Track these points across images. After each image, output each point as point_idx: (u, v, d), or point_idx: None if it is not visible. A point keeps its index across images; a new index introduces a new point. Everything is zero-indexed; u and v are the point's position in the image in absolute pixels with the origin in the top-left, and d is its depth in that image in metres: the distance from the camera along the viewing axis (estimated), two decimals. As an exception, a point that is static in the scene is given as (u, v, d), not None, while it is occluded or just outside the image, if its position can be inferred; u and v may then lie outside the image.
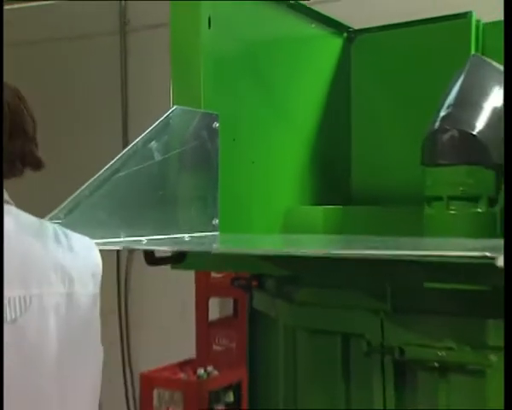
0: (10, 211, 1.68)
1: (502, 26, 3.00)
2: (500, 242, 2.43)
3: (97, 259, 1.81)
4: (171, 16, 2.57)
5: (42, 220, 1.76)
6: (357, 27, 3.36)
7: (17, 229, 1.64)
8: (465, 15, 3.11)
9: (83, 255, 1.76)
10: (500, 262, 1.63)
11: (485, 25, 3.14)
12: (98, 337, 1.81)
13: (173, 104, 2.41)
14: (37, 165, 1.78)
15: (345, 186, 3.22)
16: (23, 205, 1.73)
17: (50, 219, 1.91)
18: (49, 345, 1.63)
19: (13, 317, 1.56)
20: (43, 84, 5.73)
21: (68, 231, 1.78)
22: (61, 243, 1.71)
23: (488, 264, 1.72)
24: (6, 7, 6.10)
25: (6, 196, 1.71)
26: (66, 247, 1.72)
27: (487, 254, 1.66)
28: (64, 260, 1.69)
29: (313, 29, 3.14)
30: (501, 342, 2.18)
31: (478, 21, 3.12)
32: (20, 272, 1.60)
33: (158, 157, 2.25)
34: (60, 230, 1.76)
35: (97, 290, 1.78)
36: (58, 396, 1.67)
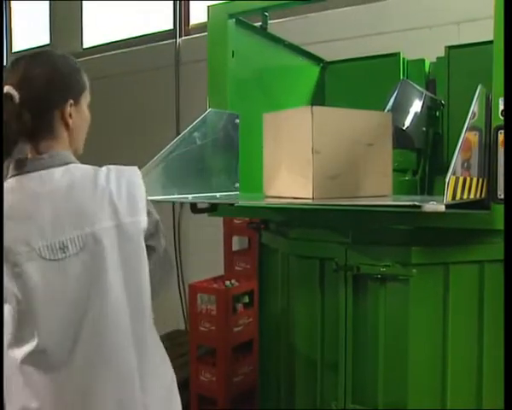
0: (69, 169, 1.55)
1: (417, 63, 3.04)
2: (420, 197, 2.40)
3: (140, 183, 1.59)
4: (208, 51, 2.53)
5: (96, 168, 1.58)
6: (329, 60, 3.31)
7: (72, 184, 1.52)
8: (395, 55, 3.10)
9: (127, 185, 1.57)
10: (425, 208, 1.60)
11: (408, 61, 3.13)
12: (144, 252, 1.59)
13: (209, 107, 2.37)
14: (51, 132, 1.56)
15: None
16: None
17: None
18: (107, 264, 1.51)
19: (75, 251, 1.49)
20: (124, 100, 5.72)
21: (118, 167, 1.61)
22: (109, 182, 1.54)
23: (415, 211, 1.70)
24: (94, 56, 6.14)
25: (72, 157, 1.60)
26: (114, 183, 1.55)
27: (416, 203, 1.63)
28: (111, 197, 1.53)
29: (300, 60, 3.10)
30: (419, 261, 2.17)
31: (403, 59, 3.11)
32: (74, 218, 1.50)
33: (199, 142, 2.22)
34: (111, 169, 1.59)
35: (143, 215, 1.57)
36: (120, 297, 1.54)
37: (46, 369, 1.49)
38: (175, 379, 1.73)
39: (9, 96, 1.48)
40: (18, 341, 1.50)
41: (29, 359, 1.49)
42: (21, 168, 1.52)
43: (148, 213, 1.60)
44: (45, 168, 1.53)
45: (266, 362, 2.81)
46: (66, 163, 1.56)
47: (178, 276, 5.06)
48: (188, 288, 4.08)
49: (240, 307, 3.91)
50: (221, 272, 4.25)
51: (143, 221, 1.57)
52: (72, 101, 1.59)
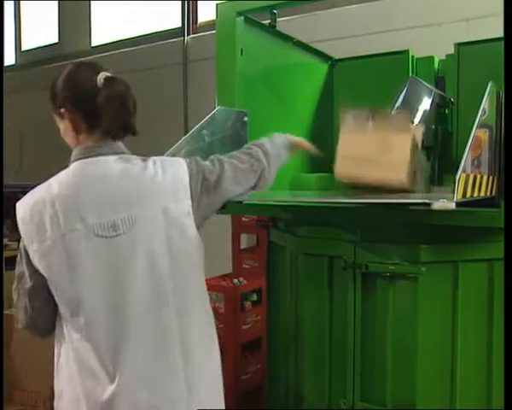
0: (122, 158, 1.69)
1: (426, 61, 3.03)
2: (430, 195, 2.39)
3: (184, 173, 1.70)
4: (217, 49, 2.53)
5: (144, 158, 1.72)
6: (337, 58, 3.29)
7: (124, 170, 1.65)
8: (404, 52, 3.07)
9: (172, 175, 1.68)
10: (434, 206, 1.59)
11: (417, 59, 3.11)
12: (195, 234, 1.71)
13: (217, 105, 2.37)
14: (133, 132, 1.74)
15: (330, 161, 3.13)
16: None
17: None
18: (154, 243, 1.63)
19: (125, 230, 1.61)
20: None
21: (164, 158, 1.75)
22: (156, 171, 1.67)
23: (425, 209, 1.69)
24: (102, 54, 6.15)
25: (123, 148, 1.73)
26: (161, 172, 1.67)
27: (426, 201, 1.62)
28: (158, 183, 1.65)
29: (309, 58, 3.09)
30: (428, 259, 2.16)
31: (412, 56, 3.08)
32: (126, 200, 1.62)
33: (207, 140, 2.21)
34: (157, 159, 1.71)
35: (186, 200, 1.68)
36: (169, 277, 1.64)
37: (94, 343, 1.61)
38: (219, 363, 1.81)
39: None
40: (65, 321, 1.65)
41: (79, 335, 1.62)
42: (83, 154, 1.67)
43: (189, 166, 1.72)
44: (103, 155, 1.67)
45: (274, 360, 2.81)
46: (119, 153, 1.70)
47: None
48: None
49: (248, 304, 3.91)
50: (229, 269, 4.26)
51: (187, 205, 1.67)
52: None
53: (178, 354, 1.64)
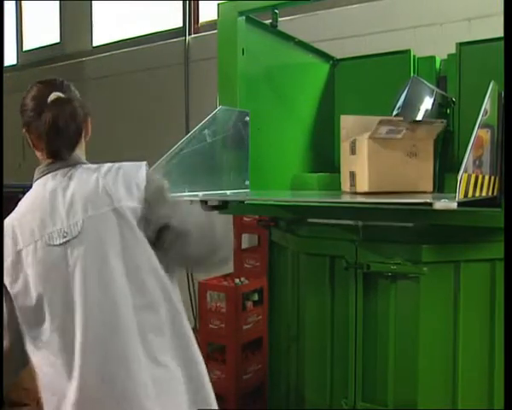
0: (74, 168, 1.71)
1: (428, 60, 3.02)
2: (431, 195, 2.39)
3: (141, 176, 1.69)
4: (218, 49, 2.52)
5: (100, 164, 1.74)
6: (339, 57, 3.29)
7: (73, 180, 1.68)
8: (406, 52, 3.06)
9: (124, 175, 1.68)
10: (436, 206, 1.58)
11: (419, 58, 3.09)
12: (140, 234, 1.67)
13: (219, 105, 2.37)
14: (62, 158, 1.73)
15: (331, 161, 3.14)
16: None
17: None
18: (107, 242, 1.63)
19: (73, 235, 1.63)
20: (134, 98, 5.73)
21: (123, 163, 1.74)
22: (108, 173, 1.69)
23: (427, 209, 1.69)
24: (103, 54, 6.16)
25: (80, 158, 1.75)
26: (113, 174, 1.68)
27: (428, 200, 1.62)
28: (108, 187, 1.66)
29: (310, 58, 3.08)
30: (430, 259, 2.16)
31: (414, 56, 3.07)
32: (75, 207, 1.65)
33: (209, 140, 2.21)
34: (115, 164, 1.73)
35: (138, 202, 1.65)
36: (123, 275, 1.62)
37: (59, 352, 1.61)
38: (198, 355, 1.87)
39: None
40: (32, 333, 1.65)
41: (45, 345, 1.63)
42: (42, 173, 1.74)
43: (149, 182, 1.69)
44: (56, 170, 1.72)
45: (275, 360, 2.81)
46: (75, 164, 1.74)
47: (188, 274, 5.06)
48: (197, 286, 4.08)
49: (249, 304, 3.91)
50: (230, 269, 4.25)
51: (138, 207, 1.66)
52: None
53: (141, 355, 1.62)
